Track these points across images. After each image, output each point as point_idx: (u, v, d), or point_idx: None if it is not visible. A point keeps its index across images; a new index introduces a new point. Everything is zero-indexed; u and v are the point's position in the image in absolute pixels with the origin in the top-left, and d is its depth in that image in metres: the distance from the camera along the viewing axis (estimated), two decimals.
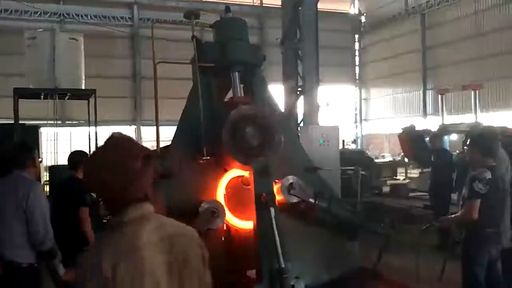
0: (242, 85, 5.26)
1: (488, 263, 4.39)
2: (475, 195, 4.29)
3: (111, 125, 28.07)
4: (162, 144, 5.79)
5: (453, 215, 4.92)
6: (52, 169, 10.96)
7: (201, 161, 4.82)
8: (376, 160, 21.31)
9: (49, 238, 3.76)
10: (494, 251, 4.43)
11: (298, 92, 12.03)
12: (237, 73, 5.20)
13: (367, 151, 25.10)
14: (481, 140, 4.68)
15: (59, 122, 14.34)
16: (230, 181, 5.00)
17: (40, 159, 5.44)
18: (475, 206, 4.30)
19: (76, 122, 23.08)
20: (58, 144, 12.89)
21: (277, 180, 4.79)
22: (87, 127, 12.19)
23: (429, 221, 6.10)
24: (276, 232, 4.10)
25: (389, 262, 5.76)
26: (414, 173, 19.17)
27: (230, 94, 5.33)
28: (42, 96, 11.20)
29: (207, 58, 5.15)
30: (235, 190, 4.95)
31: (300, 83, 12.00)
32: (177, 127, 5.25)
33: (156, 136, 5.61)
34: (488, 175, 4.32)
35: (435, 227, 6.34)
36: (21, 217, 3.73)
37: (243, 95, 5.19)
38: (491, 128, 6.52)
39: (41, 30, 11.97)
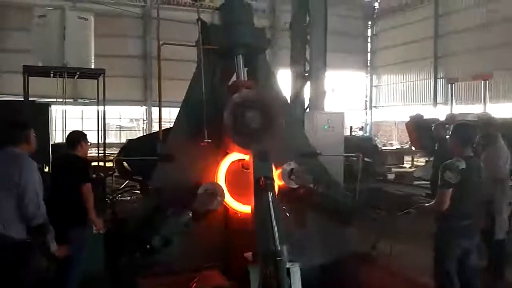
0: (246, 69, 5.26)
1: (460, 256, 4.32)
2: (445, 185, 4.22)
3: (122, 105, 28.26)
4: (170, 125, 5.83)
5: (427, 204, 4.86)
6: (54, 148, 10.87)
7: (202, 144, 4.87)
8: (384, 148, 21.23)
9: (41, 213, 3.78)
10: (467, 244, 4.35)
11: (305, 77, 12.00)
12: (241, 56, 5.19)
13: (375, 138, 25.02)
14: (463, 130, 4.63)
15: (69, 100, 14.33)
16: (230, 164, 5.06)
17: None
18: (445, 195, 4.22)
19: (88, 100, 23.14)
20: (67, 122, 12.98)
21: (278, 165, 4.85)
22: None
23: (407, 208, 6.17)
24: (273, 216, 4.14)
25: (385, 248, 5.80)
26: (421, 161, 19.12)
27: (234, 78, 5.33)
28: (51, 74, 11.26)
29: (212, 40, 5.16)
30: (235, 174, 5.00)
31: (307, 68, 11.97)
32: (179, 109, 5.29)
33: (158, 118, 5.66)
34: (462, 165, 4.23)
35: (413, 214, 6.36)
36: (11, 192, 3.77)
37: (246, 78, 5.19)
38: (493, 119, 6.44)
39: (51, 8, 11.98)
